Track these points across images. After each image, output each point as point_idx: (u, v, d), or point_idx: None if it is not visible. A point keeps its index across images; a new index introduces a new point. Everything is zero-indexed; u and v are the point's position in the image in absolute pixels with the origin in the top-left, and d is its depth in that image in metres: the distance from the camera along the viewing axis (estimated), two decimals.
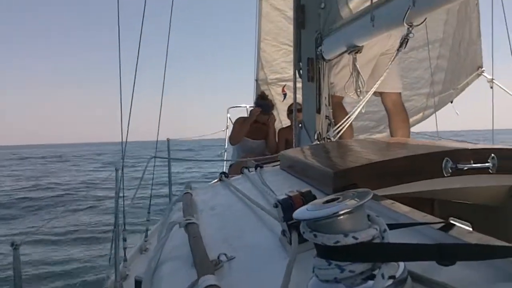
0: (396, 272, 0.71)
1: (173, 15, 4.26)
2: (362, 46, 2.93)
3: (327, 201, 0.78)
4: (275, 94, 6.79)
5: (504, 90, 4.92)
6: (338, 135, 3.16)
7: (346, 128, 3.16)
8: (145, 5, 3.69)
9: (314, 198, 1.10)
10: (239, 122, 5.62)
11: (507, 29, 4.60)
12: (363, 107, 3.02)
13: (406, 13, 2.19)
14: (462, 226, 0.94)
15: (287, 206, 1.08)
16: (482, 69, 5.37)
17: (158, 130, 4.52)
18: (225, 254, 1.18)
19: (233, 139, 5.59)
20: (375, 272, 0.69)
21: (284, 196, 1.12)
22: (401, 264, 0.73)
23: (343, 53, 3.10)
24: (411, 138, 3.73)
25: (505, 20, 4.55)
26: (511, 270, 0.74)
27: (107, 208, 10.86)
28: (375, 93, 3.45)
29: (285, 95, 6.59)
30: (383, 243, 0.73)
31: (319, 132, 3.33)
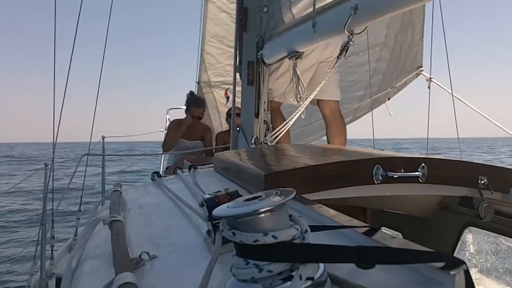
0: (315, 273, 0.69)
1: (113, 9, 4.16)
2: (303, 52, 2.94)
3: (249, 199, 0.76)
4: (218, 97, 6.76)
5: (441, 87, 5.09)
6: (275, 140, 3.15)
7: (283, 134, 3.16)
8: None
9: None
10: (173, 126, 5.47)
11: (444, 33, 4.80)
12: (302, 112, 3.03)
13: (347, 20, 2.22)
14: (384, 232, 0.93)
15: (212, 205, 1.05)
16: (421, 68, 5.53)
17: (92, 127, 4.38)
18: (147, 253, 1.14)
19: (165, 146, 5.42)
20: (294, 273, 0.67)
21: (210, 195, 1.09)
22: (321, 266, 0.72)
23: (283, 58, 3.10)
24: (347, 146, 3.78)
25: (442, 24, 4.75)
26: (432, 275, 0.73)
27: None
28: (312, 101, 3.48)
29: (227, 98, 6.58)
30: (303, 244, 0.71)
31: (257, 137, 3.31)
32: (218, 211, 0.75)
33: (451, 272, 0.69)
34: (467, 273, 0.70)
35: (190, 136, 5.42)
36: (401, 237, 2.63)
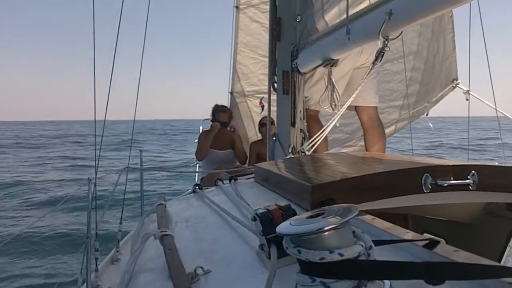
0: None
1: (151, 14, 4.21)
2: (338, 60, 2.93)
3: (311, 216, 0.76)
4: (252, 106, 6.79)
5: (481, 100, 5.00)
6: (313, 149, 3.14)
7: (321, 142, 3.14)
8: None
9: (294, 212, 1.09)
10: (203, 135, 5.53)
11: (484, 42, 4.70)
12: (337, 121, 3.01)
13: (382, 26, 2.20)
14: (446, 245, 0.92)
15: (266, 219, 1.07)
16: (457, 81, 5.46)
17: (133, 130, 4.44)
18: (202, 267, 1.16)
19: (198, 155, 5.50)
20: None
21: (262, 210, 1.10)
22: (387, 282, 0.72)
23: (318, 66, 3.09)
24: (387, 153, 3.73)
25: (483, 32, 4.64)
26: None
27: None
28: (350, 107, 3.46)
29: (262, 107, 6.60)
30: (370, 261, 0.72)
31: (294, 146, 3.31)
32: (283, 228, 0.75)
33: None
34: None
35: (219, 145, 5.47)
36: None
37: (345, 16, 2.56)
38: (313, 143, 3.14)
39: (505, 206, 1.95)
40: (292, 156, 3.28)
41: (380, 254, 0.76)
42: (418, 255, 0.93)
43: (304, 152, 3.23)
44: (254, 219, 1.08)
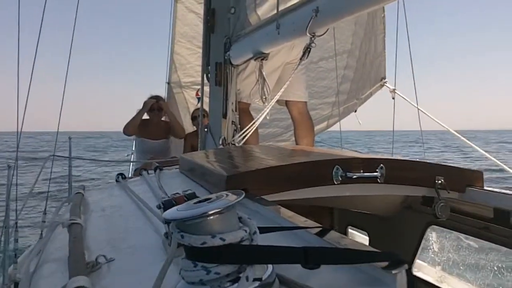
0: (263, 275, 0.71)
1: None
2: (268, 54, 2.97)
3: (199, 201, 0.77)
4: (188, 97, 6.71)
5: (405, 99, 5.24)
6: (243, 141, 3.16)
7: (252, 135, 3.17)
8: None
9: None
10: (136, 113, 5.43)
11: (409, 43, 4.92)
12: (267, 114, 3.05)
13: (309, 22, 2.24)
14: (335, 233, 0.96)
15: (169, 207, 1.05)
16: (385, 80, 5.69)
17: (59, 126, 4.30)
18: (104, 256, 1.13)
19: (126, 127, 5.34)
20: (241, 275, 0.68)
21: (167, 198, 1.10)
22: (270, 267, 0.73)
23: (250, 59, 3.12)
24: (315, 147, 3.83)
25: (407, 34, 4.87)
26: (375, 274, 0.76)
27: None
28: (280, 102, 3.51)
29: (199, 98, 6.52)
30: (250, 245, 0.73)
31: (224, 137, 3.32)
32: (168, 214, 0.76)
33: (393, 271, 0.72)
34: (408, 272, 0.73)
35: (153, 135, 5.39)
36: (367, 236, 2.69)
37: (276, 11, 2.60)
38: (243, 135, 3.16)
39: (421, 200, 2.05)
40: (223, 147, 3.30)
41: (271, 240, 0.77)
42: (307, 241, 0.96)
43: (234, 144, 3.25)
44: (159, 207, 1.09)
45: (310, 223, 1.05)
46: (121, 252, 1.20)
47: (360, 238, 2.91)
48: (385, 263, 0.74)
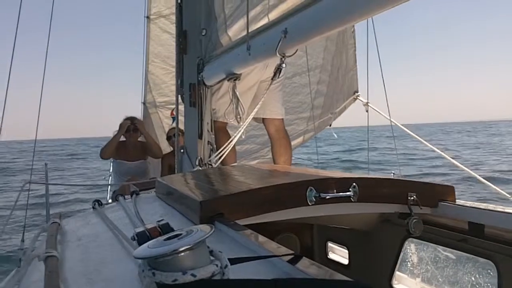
0: None
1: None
2: (241, 74, 2.99)
3: (169, 238, 0.77)
4: (163, 117, 6.69)
5: (379, 112, 5.34)
6: (220, 160, 3.16)
7: (229, 153, 3.17)
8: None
9: (172, 230, 1.07)
10: (112, 136, 5.41)
11: (379, 56, 5.04)
12: (243, 133, 3.06)
13: (279, 44, 2.27)
14: (306, 260, 0.97)
15: (143, 239, 1.04)
16: (358, 93, 5.78)
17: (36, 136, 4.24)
18: None
19: (103, 151, 5.33)
20: None
21: (141, 229, 1.09)
22: None
23: (223, 79, 3.13)
24: (292, 166, 3.83)
25: (377, 48, 4.98)
26: None
27: None
28: (257, 119, 3.53)
29: (173, 118, 6.50)
30: (221, 280, 0.73)
31: (201, 158, 3.32)
32: (139, 252, 0.76)
33: None
34: (388, 285, 0.75)
35: (130, 156, 5.35)
36: (347, 250, 2.71)
37: (246, 32, 2.63)
38: (219, 155, 3.16)
39: (398, 214, 2.06)
40: (200, 168, 3.29)
41: (244, 269, 0.78)
42: (281, 269, 0.97)
43: (211, 164, 3.24)
44: (133, 239, 1.08)
45: (282, 250, 1.06)
46: (97, 286, 1.19)
47: (341, 251, 2.93)
48: None
